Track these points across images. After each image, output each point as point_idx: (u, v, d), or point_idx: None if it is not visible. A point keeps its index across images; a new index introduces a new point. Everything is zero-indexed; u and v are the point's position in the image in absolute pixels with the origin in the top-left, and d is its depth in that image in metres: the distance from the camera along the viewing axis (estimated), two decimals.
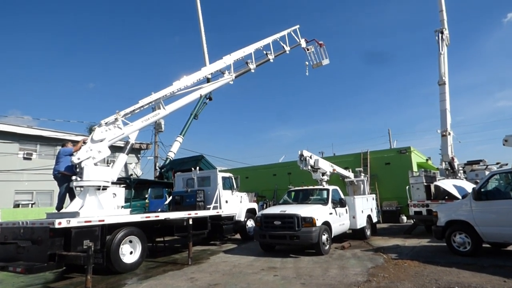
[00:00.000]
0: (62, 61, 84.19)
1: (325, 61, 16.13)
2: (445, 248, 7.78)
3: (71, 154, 7.56)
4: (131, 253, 7.28)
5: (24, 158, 19.60)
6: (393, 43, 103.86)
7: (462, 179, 12.18)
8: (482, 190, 7.26)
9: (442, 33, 13.79)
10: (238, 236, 12.26)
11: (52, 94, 79.85)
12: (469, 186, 10.14)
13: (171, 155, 18.58)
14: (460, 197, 9.44)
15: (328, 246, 8.44)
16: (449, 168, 12.72)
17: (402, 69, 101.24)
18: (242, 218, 11.71)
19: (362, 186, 13.67)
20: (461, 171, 13.18)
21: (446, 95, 13.04)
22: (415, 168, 16.94)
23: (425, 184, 11.59)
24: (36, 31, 74.18)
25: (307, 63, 16.28)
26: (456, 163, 12.72)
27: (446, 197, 10.62)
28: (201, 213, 9.72)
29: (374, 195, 13.37)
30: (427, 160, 20.83)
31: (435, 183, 11.50)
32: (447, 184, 10.75)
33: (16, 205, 17.91)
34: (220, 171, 12.07)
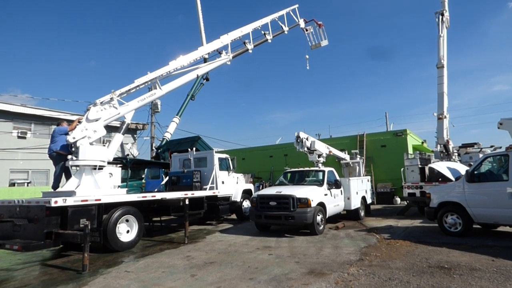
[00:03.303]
0: (65, 39, 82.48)
1: (324, 42, 15.80)
2: (437, 229, 7.96)
3: (66, 133, 7.46)
4: (128, 232, 7.37)
5: (19, 137, 19.39)
6: (393, 27, 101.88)
7: (456, 162, 12.30)
8: (475, 172, 7.35)
9: (442, 15, 13.49)
10: (234, 216, 12.42)
11: (54, 73, 78.59)
12: (462, 169, 10.26)
13: (168, 136, 18.50)
14: (453, 179, 9.56)
15: (322, 226, 8.59)
16: (444, 151, 12.82)
17: (401, 52, 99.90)
18: (238, 199, 11.83)
19: (357, 168, 13.79)
20: (456, 154, 13.30)
21: (444, 78, 12.93)
22: (410, 151, 17.06)
23: (420, 166, 11.69)
24: (39, 11, 71.67)
25: (307, 56, 16.06)
26: (451, 145, 12.82)
27: (440, 179, 10.75)
28: (198, 193, 9.78)
29: (369, 177, 13.50)
30: (422, 142, 20.96)
31: (430, 165, 11.60)
32: (441, 167, 10.85)
33: (12, 184, 17.90)
34: (216, 152, 12.05)
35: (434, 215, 7.92)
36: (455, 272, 4.72)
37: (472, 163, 10.48)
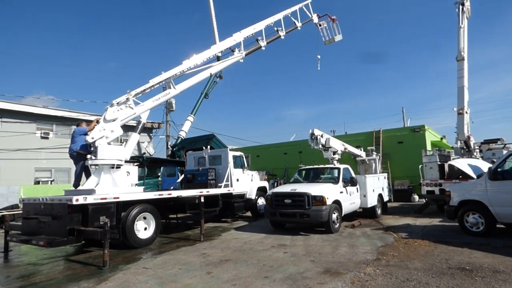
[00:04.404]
0: (86, 41, 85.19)
1: (338, 37, 15.53)
2: (457, 228, 7.73)
3: (86, 134, 7.71)
4: (145, 229, 7.55)
5: (42, 137, 20.17)
6: (409, 19, 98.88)
7: (478, 159, 11.89)
8: (499, 169, 7.05)
9: (462, 5, 12.95)
10: (249, 213, 12.48)
11: (75, 75, 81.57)
12: (485, 166, 9.88)
13: (183, 134, 18.77)
14: (475, 176, 9.23)
15: (338, 224, 8.50)
16: (465, 147, 12.40)
17: (418, 45, 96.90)
18: (253, 196, 11.87)
19: (373, 165, 13.55)
20: (477, 150, 12.85)
21: (465, 71, 12.45)
22: (429, 147, 16.63)
23: (439, 163, 11.38)
24: (59, 13, 74.22)
25: (319, 56, 15.91)
26: (472, 142, 12.37)
27: (460, 177, 10.43)
28: (213, 191, 9.87)
29: (385, 174, 13.27)
30: (441, 138, 20.38)
31: (450, 162, 11.27)
32: (462, 164, 10.51)
33: (37, 182, 18.64)
34: (231, 149, 12.13)
35: (454, 214, 7.68)
36: (477, 274, 4.57)
37: (495, 160, 10.09)
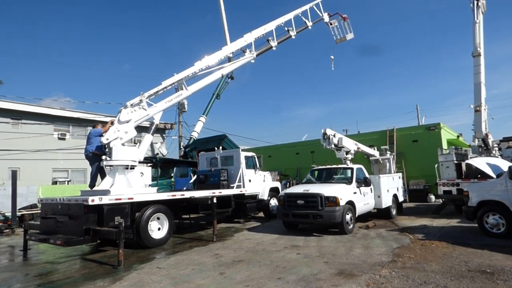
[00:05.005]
0: (101, 45, 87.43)
1: (349, 36, 15.35)
2: (476, 229, 7.50)
3: (101, 135, 7.86)
4: (159, 229, 7.64)
5: (59, 138, 20.74)
6: (423, 14, 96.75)
7: (497, 157, 11.51)
8: None
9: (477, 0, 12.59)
10: (261, 214, 12.45)
11: (92, 77, 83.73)
12: (504, 165, 9.55)
13: (195, 135, 18.96)
14: (494, 176, 8.94)
15: (352, 225, 8.38)
16: (483, 145, 12.03)
17: (431, 41, 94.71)
18: (265, 197, 11.84)
19: (388, 164, 13.31)
20: (496, 148, 12.45)
21: (481, 67, 12.08)
22: (445, 145, 16.20)
23: (456, 162, 11.09)
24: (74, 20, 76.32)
25: (332, 57, 15.83)
26: (490, 139, 11.98)
27: (479, 176, 10.12)
28: (225, 192, 9.90)
29: (400, 174, 13.00)
30: (458, 136, 19.83)
31: (467, 161, 10.94)
32: (480, 162, 10.18)
33: (54, 182, 19.17)
34: (243, 150, 12.15)
35: (473, 215, 7.45)
36: (499, 277, 4.40)
37: None
